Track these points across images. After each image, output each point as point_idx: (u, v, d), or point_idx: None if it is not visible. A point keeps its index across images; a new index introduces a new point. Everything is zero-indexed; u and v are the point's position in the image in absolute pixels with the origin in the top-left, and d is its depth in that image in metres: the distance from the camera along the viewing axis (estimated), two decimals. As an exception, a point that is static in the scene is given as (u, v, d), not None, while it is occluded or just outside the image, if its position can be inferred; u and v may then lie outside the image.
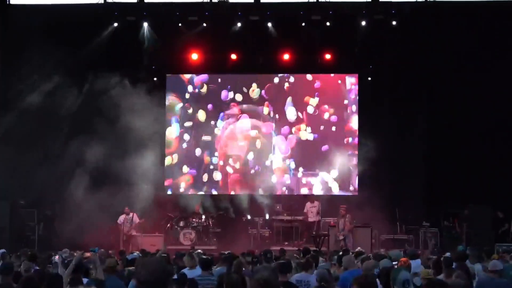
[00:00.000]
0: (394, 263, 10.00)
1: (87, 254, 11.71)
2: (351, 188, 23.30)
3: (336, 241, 19.53)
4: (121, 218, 21.02)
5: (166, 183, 23.51)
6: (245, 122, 23.65)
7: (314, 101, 23.51)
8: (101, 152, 20.62)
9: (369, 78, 23.17)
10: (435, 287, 6.85)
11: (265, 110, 23.61)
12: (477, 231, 19.64)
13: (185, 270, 10.29)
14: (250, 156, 23.53)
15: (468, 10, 21.95)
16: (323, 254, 14.75)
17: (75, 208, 20.73)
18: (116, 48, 22.40)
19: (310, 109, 23.51)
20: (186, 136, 23.69)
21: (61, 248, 15.83)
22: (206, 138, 23.59)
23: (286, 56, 23.09)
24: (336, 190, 23.23)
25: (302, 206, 22.18)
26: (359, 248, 16.06)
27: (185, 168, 23.63)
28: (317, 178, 23.30)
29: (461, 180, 21.03)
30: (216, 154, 23.58)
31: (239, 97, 23.67)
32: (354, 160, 23.28)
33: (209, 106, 23.68)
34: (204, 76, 23.85)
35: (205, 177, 23.53)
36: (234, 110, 23.69)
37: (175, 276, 9.20)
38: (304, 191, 23.38)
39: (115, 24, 22.54)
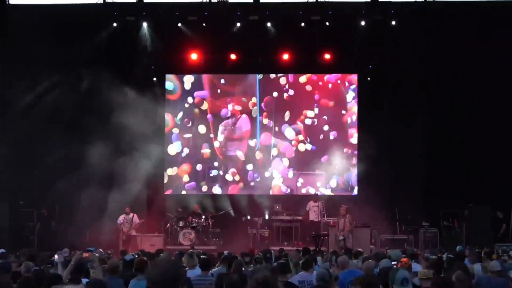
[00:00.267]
0: (393, 263, 10.01)
1: (86, 255, 11.71)
2: (351, 188, 23.32)
3: (336, 241, 19.51)
4: (121, 218, 21.01)
5: (166, 192, 23.60)
6: (245, 133, 23.67)
7: (312, 113, 23.50)
8: (101, 152, 20.61)
9: (369, 78, 23.19)
10: (442, 287, 6.84)
11: (265, 121, 23.64)
12: (477, 231, 19.64)
13: (185, 270, 10.28)
14: (250, 167, 23.55)
15: (467, 10, 21.93)
16: (323, 254, 14.76)
17: (75, 208, 20.74)
18: (116, 48, 22.40)
19: (308, 121, 23.53)
20: (186, 150, 23.74)
21: (61, 248, 15.80)
22: (205, 151, 23.63)
23: (285, 56, 23.08)
24: (335, 190, 23.24)
25: (302, 206, 22.15)
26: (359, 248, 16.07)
27: (186, 178, 23.71)
28: (317, 178, 23.31)
29: (460, 180, 21.03)
30: (216, 164, 23.60)
31: (238, 108, 23.70)
32: (354, 160, 23.30)
33: (209, 117, 23.70)
34: (204, 93, 23.83)
35: (204, 188, 23.65)
36: (234, 121, 23.70)
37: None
38: (303, 191, 23.39)
39: (115, 24, 22.53)
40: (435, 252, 16.55)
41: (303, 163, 23.49)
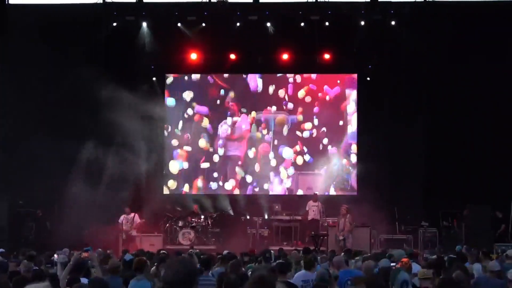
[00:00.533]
0: (392, 264, 10.00)
1: (85, 254, 11.71)
2: (350, 188, 23.32)
3: (336, 241, 19.50)
4: (121, 218, 21.01)
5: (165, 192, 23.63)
6: (243, 145, 23.69)
7: (309, 125, 23.50)
8: (102, 152, 20.60)
9: (368, 78, 23.18)
10: (448, 287, 6.84)
11: (264, 132, 23.65)
12: (476, 231, 19.62)
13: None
14: (249, 179, 23.57)
15: (467, 10, 21.95)
16: (322, 254, 14.77)
17: (74, 208, 20.71)
18: (115, 48, 22.39)
19: (306, 134, 23.54)
20: (186, 165, 23.77)
21: (61, 247, 15.80)
22: (204, 165, 23.64)
23: (285, 56, 23.09)
24: (335, 190, 23.24)
25: (302, 206, 22.14)
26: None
27: (186, 187, 23.76)
28: (316, 178, 23.31)
29: (460, 180, 21.03)
30: (215, 175, 23.60)
31: (237, 119, 23.71)
32: (354, 160, 23.30)
33: (209, 127, 23.74)
34: (204, 109, 23.83)
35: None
36: (233, 133, 23.73)
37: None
38: (303, 191, 23.39)
39: (114, 24, 22.52)
40: (434, 252, 16.57)
41: (303, 166, 23.51)
